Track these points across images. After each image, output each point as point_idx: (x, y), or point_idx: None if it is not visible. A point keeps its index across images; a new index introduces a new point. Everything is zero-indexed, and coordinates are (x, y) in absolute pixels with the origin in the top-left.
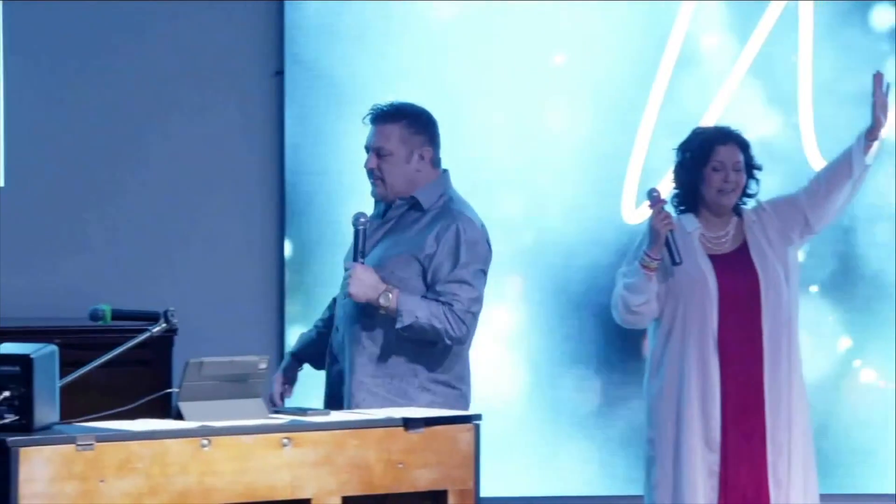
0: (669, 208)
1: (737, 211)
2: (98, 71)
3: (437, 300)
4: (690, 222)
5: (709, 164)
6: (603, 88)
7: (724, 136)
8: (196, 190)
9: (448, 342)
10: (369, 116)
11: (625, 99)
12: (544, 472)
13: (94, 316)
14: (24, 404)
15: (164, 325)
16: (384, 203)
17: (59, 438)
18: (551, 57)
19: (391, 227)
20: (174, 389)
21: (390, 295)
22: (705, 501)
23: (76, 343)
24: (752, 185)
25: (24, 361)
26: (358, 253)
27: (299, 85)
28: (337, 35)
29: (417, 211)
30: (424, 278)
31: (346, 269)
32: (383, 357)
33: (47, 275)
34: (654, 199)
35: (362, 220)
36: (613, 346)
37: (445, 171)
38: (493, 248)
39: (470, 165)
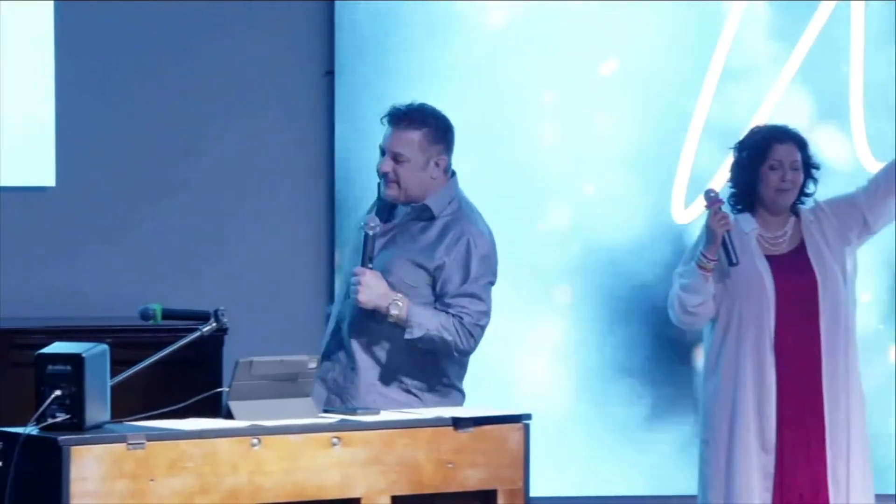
0: (726, 208)
1: (794, 211)
2: (149, 71)
3: (446, 311)
4: (748, 222)
5: (766, 162)
6: (651, 93)
7: (782, 135)
8: (246, 190)
9: (455, 355)
10: (388, 117)
11: (673, 104)
12: (594, 473)
13: (145, 315)
14: (75, 403)
15: (214, 324)
16: (388, 204)
17: (110, 437)
18: (600, 64)
19: (398, 232)
20: (224, 389)
21: (400, 304)
22: (760, 502)
23: (127, 342)
24: (810, 184)
25: (76, 361)
26: (366, 258)
27: (350, 85)
28: (387, 36)
29: (426, 217)
30: (433, 287)
31: (353, 275)
32: (391, 360)
33: (98, 274)
34: (711, 198)
35: (372, 224)
36: (663, 354)
37: (454, 174)
38: (542, 257)
39: (518, 173)
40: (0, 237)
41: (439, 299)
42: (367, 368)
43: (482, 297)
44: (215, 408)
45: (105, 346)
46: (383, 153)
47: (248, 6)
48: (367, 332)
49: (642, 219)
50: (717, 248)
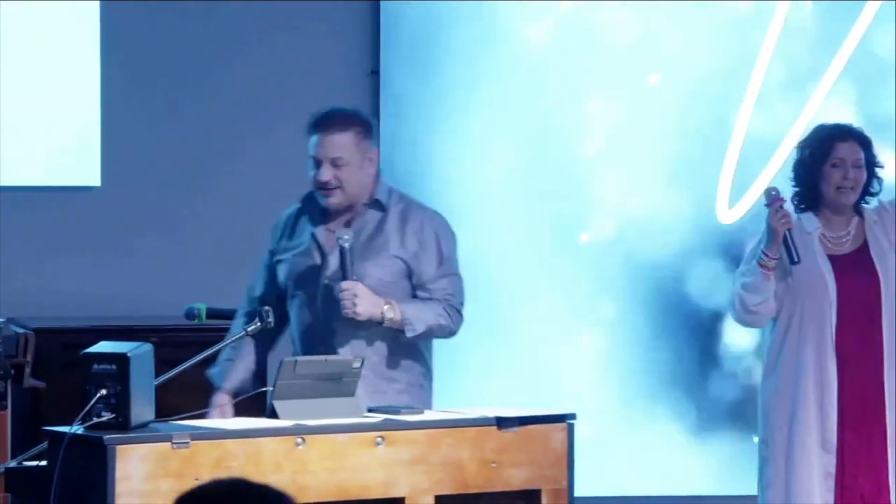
0: (789, 207)
1: (858, 210)
2: (194, 71)
3: (431, 298)
4: (811, 222)
5: (828, 160)
6: (693, 104)
7: (844, 133)
8: (290, 190)
9: (450, 336)
10: (314, 126)
11: (715, 114)
12: (643, 472)
13: (190, 315)
14: (120, 402)
15: (258, 324)
16: (333, 212)
17: (155, 436)
18: (644, 75)
19: (358, 235)
20: (269, 388)
21: (393, 306)
22: (820, 502)
23: (172, 341)
24: (875, 183)
25: (121, 360)
26: (349, 271)
27: (395, 84)
28: (432, 37)
29: (379, 211)
30: (409, 276)
31: (342, 290)
32: (385, 363)
33: (143, 274)
34: (772, 197)
35: (346, 236)
36: (708, 366)
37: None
38: (586, 270)
39: (563, 188)
40: (46, 237)
41: (420, 287)
42: (365, 376)
43: (458, 273)
44: (260, 407)
45: (150, 346)
46: (317, 164)
47: (294, 6)
48: (353, 341)
49: (686, 231)
50: (778, 246)
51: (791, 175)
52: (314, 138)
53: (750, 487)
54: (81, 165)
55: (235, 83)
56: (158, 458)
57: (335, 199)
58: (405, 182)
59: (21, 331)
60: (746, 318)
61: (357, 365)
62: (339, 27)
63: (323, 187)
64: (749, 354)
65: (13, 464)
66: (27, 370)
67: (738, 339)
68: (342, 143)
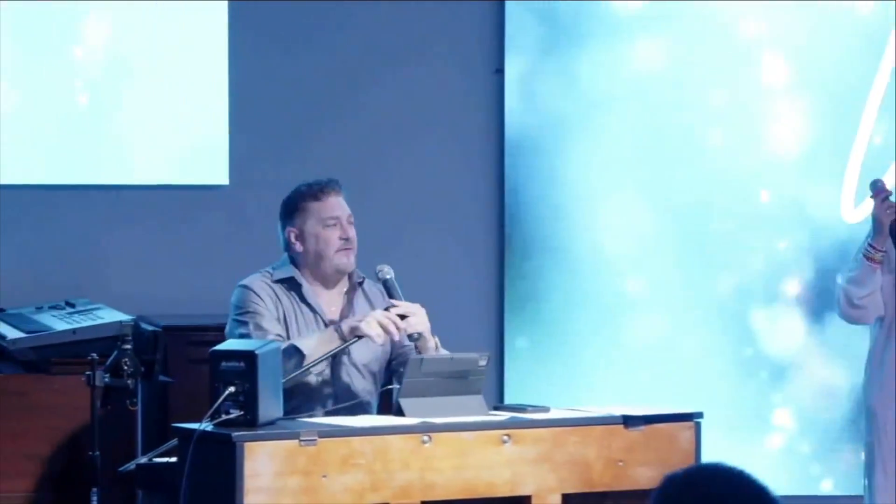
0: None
1: None
2: (322, 71)
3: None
4: None
5: None
6: (820, 98)
7: None
8: (416, 188)
9: None
10: (326, 187)
11: (843, 104)
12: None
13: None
14: (248, 400)
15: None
16: (324, 284)
17: (283, 434)
18: (768, 69)
19: (348, 308)
20: (395, 386)
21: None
22: None
23: None
24: None
25: (249, 358)
26: (398, 297)
27: (518, 83)
28: (556, 35)
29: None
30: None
31: (392, 308)
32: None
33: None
34: (877, 188)
35: (386, 268)
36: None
37: None
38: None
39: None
40: (175, 235)
41: (398, 348)
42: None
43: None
44: (386, 405)
45: (277, 344)
46: (333, 224)
47: (419, 6)
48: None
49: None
50: (884, 238)
51: None
52: (330, 200)
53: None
54: (209, 164)
55: (361, 82)
56: (286, 455)
57: (351, 260)
58: (532, 178)
59: (151, 328)
60: (852, 312)
61: (483, 363)
62: (465, 26)
63: (348, 246)
64: None
65: (143, 460)
66: (157, 367)
67: None
68: (345, 203)
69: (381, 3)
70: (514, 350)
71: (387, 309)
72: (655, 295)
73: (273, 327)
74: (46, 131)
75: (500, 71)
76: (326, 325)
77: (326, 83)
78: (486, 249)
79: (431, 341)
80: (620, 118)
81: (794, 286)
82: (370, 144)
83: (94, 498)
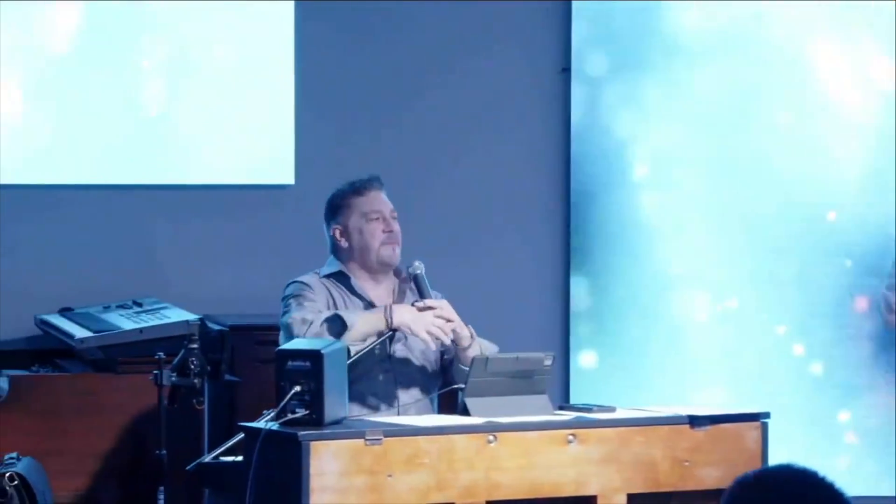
0: None
1: None
2: (387, 70)
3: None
4: None
5: None
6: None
7: None
8: (482, 186)
9: None
10: (366, 184)
11: None
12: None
13: None
14: (314, 399)
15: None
16: (373, 276)
17: (349, 433)
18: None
19: (397, 301)
20: (460, 385)
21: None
22: None
23: None
24: None
25: (315, 357)
26: (427, 296)
27: (585, 82)
28: (622, 34)
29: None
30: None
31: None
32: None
33: None
34: None
35: (417, 263)
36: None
37: None
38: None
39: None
40: (241, 235)
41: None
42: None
43: None
44: (451, 404)
45: (343, 343)
46: (375, 218)
47: (486, 6)
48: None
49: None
50: None
51: None
52: (372, 195)
53: None
54: (276, 164)
55: (428, 82)
56: (352, 454)
57: (397, 252)
58: (598, 177)
59: (217, 328)
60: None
61: (548, 362)
62: (531, 26)
63: (393, 240)
64: None
65: (208, 458)
66: (223, 366)
67: None
68: (387, 198)
69: (446, 2)
70: (579, 360)
71: (412, 304)
72: (722, 311)
73: (315, 306)
74: (114, 132)
75: (566, 70)
76: None
77: (392, 82)
78: (551, 253)
79: (466, 331)
80: (686, 135)
81: (861, 303)
82: (435, 145)
83: (161, 496)
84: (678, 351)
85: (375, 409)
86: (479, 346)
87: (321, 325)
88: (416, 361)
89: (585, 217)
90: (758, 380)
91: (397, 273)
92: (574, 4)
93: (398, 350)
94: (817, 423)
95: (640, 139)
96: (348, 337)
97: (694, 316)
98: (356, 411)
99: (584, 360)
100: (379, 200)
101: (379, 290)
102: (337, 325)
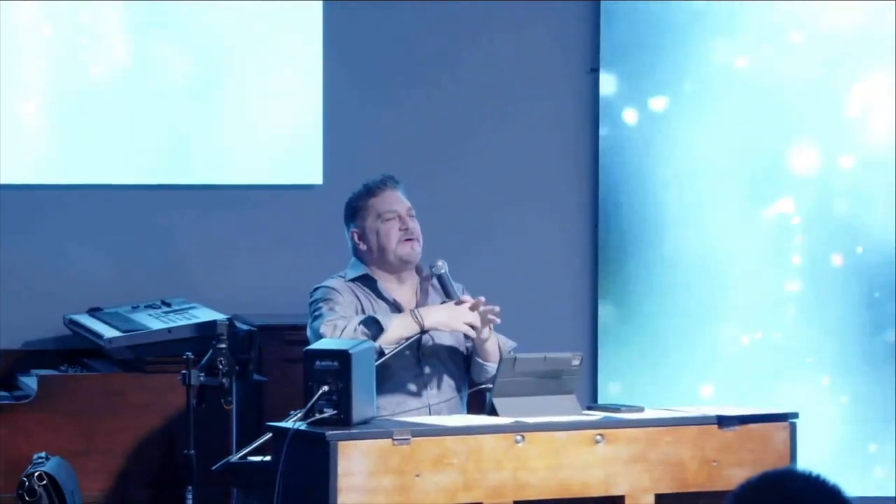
0: None
1: None
2: (414, 70)
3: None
4: None
5: None
6: None
7: None
8: (511, 185)
9: None
10: (381, 184)
11: None
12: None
13: None
14: (342, 399)
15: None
16: (368, 282)
17: (376, 433)
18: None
19: (421, 300)
20: (488, 385)
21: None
22: None
23: None
24: None
25: (343, 357)
26: (453, 295)
27: (613, 82)
28: (651, 35)
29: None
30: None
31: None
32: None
33: None
34: None
35: (440, 263)
36: None
37: None
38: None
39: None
40: (269, 234)
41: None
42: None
43: None
44: (479, 404)
45: (371, 343)
46: (391, 218)
47: (515, 5)
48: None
49: None
50: None
51: None
52: (387, 195)
53: None
54: (304, 164)
55: (455, 81)
56: (379, 454)
57: (418, 249)
58: (626, 177)
59: (245, 328)
60: None
61: (576, 362)
62: (560, 25)
63: (408, 237)
64: None
65: (235, 458)
66: (251, 366)
67: None
68: (404, 197)
69: (475, 1)
70: (608, 355)
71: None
72: (752, 303)
73: (345, 310)
74: (142, 132)
75: (594, 70)
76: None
77: (419, 82)
78: (580, 245)
79: (486, 329)
80: (719, 115)
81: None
82: (462, 144)
83: (189, 496)
84: (706, 344)
85: (406, 408)
86: (497, 341)
87: (355, 328)
88: (446, 361)
89: (614, 209)
90: (786, 377)
91: (419, 271)
92: (603, 4)
93: (427, 350)
94: (848, 451)
95: (669, 125)
96: (383, 340)
97: (723, 306)
98: (387, 411)
99: (612, 359)
100: (393, 199)
101: (403, 290)
102: (374, 328)
